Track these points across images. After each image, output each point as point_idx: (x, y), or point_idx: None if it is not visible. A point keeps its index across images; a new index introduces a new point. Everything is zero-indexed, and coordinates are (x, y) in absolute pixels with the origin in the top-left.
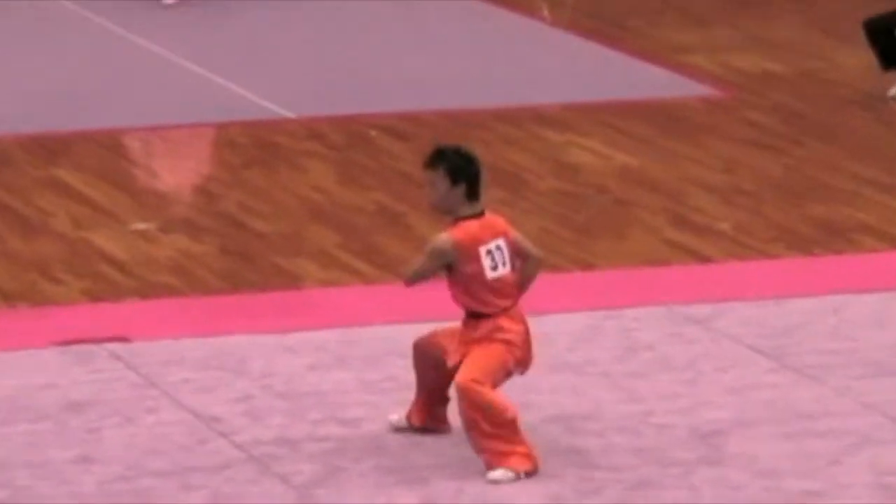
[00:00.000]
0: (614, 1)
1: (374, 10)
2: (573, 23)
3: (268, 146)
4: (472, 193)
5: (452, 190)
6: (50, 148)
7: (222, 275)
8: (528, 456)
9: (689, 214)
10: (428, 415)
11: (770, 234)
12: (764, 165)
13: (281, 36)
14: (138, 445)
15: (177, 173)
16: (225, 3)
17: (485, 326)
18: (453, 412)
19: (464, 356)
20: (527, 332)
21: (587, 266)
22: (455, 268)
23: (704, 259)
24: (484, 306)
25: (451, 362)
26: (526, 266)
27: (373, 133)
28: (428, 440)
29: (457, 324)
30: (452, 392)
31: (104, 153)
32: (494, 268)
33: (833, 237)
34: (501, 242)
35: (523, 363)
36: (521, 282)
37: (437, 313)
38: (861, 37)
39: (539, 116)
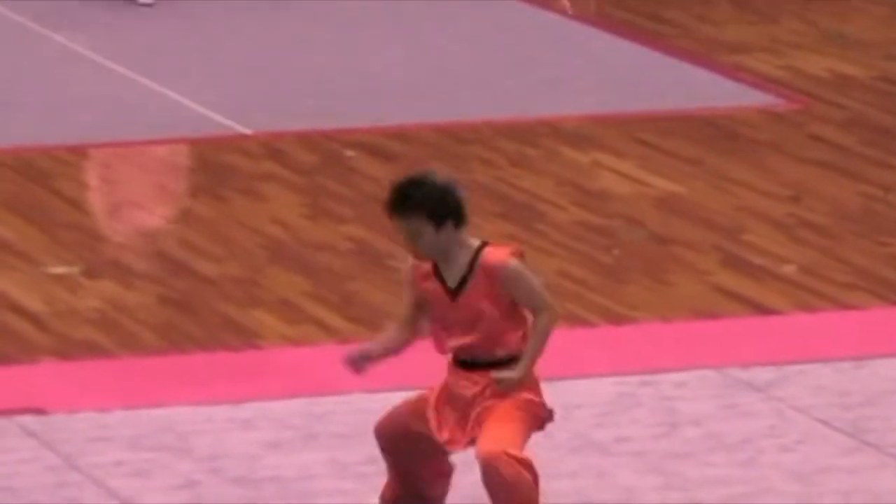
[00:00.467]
0: None
1: (350, 6)
2: (600, 15)
3: (218, 169)
4: (463, 221)
5: (440, 233)
6: None
7: (160, 330)
8: None
9: (745, 254)
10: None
11: (847, 279)
12: (839, 193)
13: (234, 34)
14: None
15: (105, 203)
16: None
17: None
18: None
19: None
20: None
21: (618, 319)
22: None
23: (765, 310)
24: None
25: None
26: None
27: (349, 153)
28: None
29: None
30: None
31: (13, 178)
32: None
33: None
34: None
35: None
36: None
37: (427, 377)
38: None
39: (557, 131)
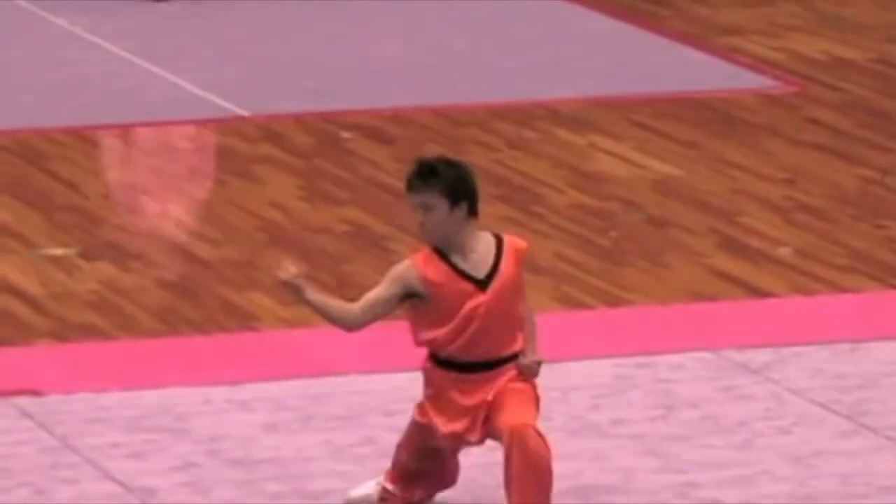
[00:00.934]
0: None
1: None
2: None
3: (215, 152)
4: (474, 211)
5: (453, 213)
6: None
7: (158, 313)
8: None
9: (742, 237)
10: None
11: (843, 262)
12: (836, 176)
13: (232, 16)
14: None
15: (102, 186)
16: None
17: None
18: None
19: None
20: None
21: (615, 301)
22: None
23: (762, 293)
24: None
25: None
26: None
27: (346, 135)
28: None
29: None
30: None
31: (11, 160)
32: None
33: None
34: None
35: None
36: None
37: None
38: None
39: (554, 114)
